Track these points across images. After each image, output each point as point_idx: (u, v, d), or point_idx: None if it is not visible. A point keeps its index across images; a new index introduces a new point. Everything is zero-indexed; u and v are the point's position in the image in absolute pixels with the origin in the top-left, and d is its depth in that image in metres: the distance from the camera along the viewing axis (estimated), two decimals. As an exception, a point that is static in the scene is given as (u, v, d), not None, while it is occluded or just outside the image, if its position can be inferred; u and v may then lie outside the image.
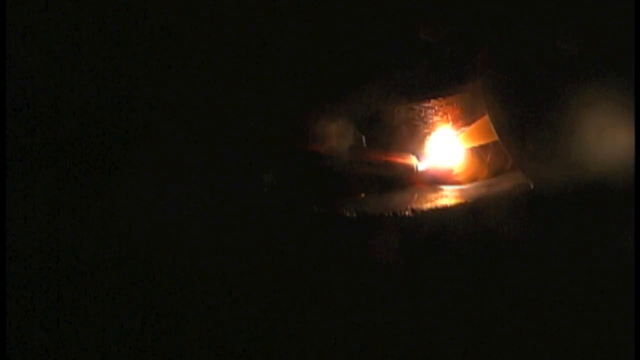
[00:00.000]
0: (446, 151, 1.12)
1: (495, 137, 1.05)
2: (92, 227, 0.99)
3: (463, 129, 1.11)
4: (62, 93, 1.01)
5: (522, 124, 0.97)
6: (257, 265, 1.00)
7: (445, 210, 1.00)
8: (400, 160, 1.10)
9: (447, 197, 1.06)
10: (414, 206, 1.01)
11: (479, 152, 1.12)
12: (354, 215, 1.01)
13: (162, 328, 0.98)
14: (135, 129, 1.03)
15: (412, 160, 1.11)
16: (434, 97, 1.10)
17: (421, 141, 1.12)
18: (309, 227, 1.02)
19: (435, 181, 1.12)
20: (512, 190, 1.01)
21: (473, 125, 1.10)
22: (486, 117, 1.06)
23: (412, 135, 1.12)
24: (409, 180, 1.11)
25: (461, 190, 1.08)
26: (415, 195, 1.07)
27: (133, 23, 1.02)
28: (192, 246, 1.01)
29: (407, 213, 1.00)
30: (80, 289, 0.97)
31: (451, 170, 1.13)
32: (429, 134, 1.12)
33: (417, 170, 1.11)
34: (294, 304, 0.99)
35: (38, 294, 0.96)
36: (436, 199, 1.05)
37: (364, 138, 1.10)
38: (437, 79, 1.08)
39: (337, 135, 1.08)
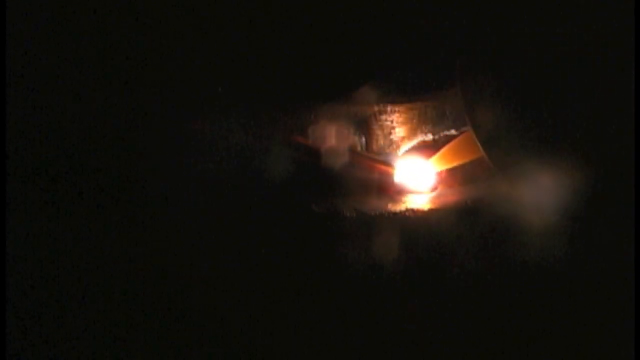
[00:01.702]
0: (421, 159, 1.12)
1: (467, 159, 1.05)
2: (93, 229, 0.99)
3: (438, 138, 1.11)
4: (63, 99, 1.01)
5: (506, 132, 0.97)
6: (257, 265, 1.00)
7: (445, 211, 1.00)
8: (378, 165, 1.10)
9: (445, 199, 1.06)
10: (415, 207, 1.01)
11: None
12: (354, 215, 1.02)
13: (162, 328, 0.98)
14: (135, 130, 1.03)
15: (390, 165, 1.11)
16: (413, 101, 1.10)
17: (398, 146, 1.12)
18: (309, 227, 1.02)
19: (410, 188, 1.11)
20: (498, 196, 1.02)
21: (444, 149, 1.10)
22: (458, 139, 1.06)
23: (390, 139, 1.12)
24: (385, 186, 1.11)
25: (453, 194, 1.08)
26: (415, 196, 1.07)
27: (136, 26, 1.02)
28: (192, 246, 1.00)
29: (407, 214, 1.00)
30: (81, 290, 0.97)
31: (425, 178, 1.12)
32: (405, 138, 1.12)
33: (394, 176, 1.11)
34: (294, 304, 0.99)
35: (38, 295, 0.96)
36: (435, 200, 1.06)
37: (364, 139, 1.10)
38: (416, 84, 1.08)
39: (337, 136, 1.08)
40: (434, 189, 1.11)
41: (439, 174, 1.11)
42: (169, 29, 1.03)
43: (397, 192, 1.10)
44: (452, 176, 1.10)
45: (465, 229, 0.98)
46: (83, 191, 1.00)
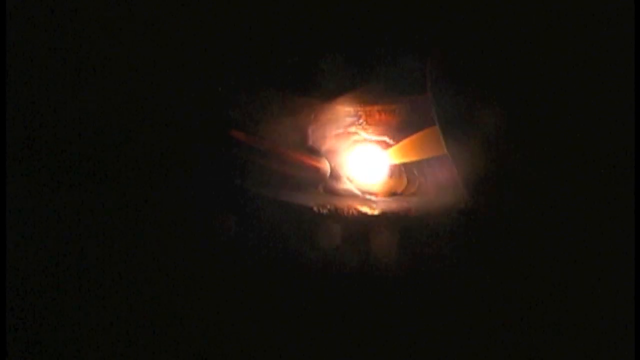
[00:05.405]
0: (377, 161, 1.12)
1: (424, 156, 1.05)
2: (92, 228, 0.99)
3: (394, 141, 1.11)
4: (61, 97, 1.01)
5: (473, 137, 0.97)
6: (257, 265, 1.00)
7: (445, 211, 1.00)
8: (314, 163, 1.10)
9: (444, 199, 1.06)
10: (415, 207, 1.02)
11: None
12: (354, 215, 1.02)
13: (162, 329, 0.98)
14: (134, 131, 1.03)
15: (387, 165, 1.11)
16: (414, 101, 1.09)
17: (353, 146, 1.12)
18: (309, 227, 1.02)
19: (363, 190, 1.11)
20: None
21: (403, 142, 1.09)
22: (422, 133, 1.06)
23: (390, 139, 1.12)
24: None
25: (453, 194, 1.09)
26: (416, 197, 1.08)
27: (136, 23, 1.01)
28: (191, 246, 1.00)
29: (408, 214, 1.00)
30: (81, 291, 0.97)
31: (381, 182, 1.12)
32: (361, 140, 1.12)
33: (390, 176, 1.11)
34: (294, 304, 0.99)
35: (39, 295, 0.96)
36: (434, 200, 1.06)
37: (363, 138, 1.10)
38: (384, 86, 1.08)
39: (336, 135, 1.09)
40: (432, 189, 1.11)
41: (436, 174, 1.11)
42: (169, 27, 1.02)
43: (393, 193, 1.10)
44: (451, 176, 1.10)
45: (465, 228, 0.99)
46: (82, 190, 1.00)
